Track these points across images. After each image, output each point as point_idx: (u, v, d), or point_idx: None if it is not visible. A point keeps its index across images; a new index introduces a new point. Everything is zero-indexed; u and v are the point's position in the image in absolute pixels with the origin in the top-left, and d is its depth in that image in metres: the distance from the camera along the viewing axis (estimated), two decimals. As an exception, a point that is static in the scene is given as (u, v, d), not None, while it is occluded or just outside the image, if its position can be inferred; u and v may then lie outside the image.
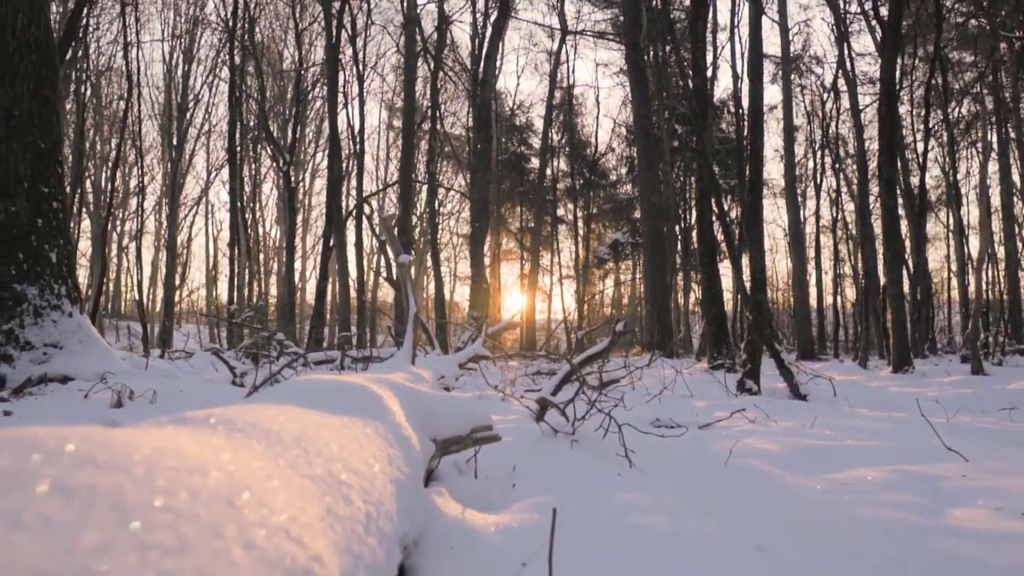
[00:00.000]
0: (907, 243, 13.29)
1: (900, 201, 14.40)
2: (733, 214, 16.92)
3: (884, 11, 10.03)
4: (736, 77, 13.72)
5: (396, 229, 11.30)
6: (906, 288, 13.15)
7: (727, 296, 13.97)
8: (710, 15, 13.31)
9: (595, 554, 1.12)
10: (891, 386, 6.01)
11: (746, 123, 7.88)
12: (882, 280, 10.54)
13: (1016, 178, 16.50)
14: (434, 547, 1.05)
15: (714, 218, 8.10)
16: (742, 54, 14.16)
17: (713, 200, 7.80)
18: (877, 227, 12.03)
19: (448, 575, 0.96)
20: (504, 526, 1.20)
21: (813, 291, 19.38)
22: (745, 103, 8.82)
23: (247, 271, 16.12)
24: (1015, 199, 16.41)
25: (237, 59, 13.23)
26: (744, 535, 1.22)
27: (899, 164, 13.58)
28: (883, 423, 3.13)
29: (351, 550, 0.48)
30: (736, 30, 13.76)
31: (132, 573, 0.26)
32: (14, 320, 3.28)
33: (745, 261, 6.17)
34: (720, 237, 9.22)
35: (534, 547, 1.06)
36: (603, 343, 2.64)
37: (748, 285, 5.49)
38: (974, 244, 17.16)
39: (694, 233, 11.33)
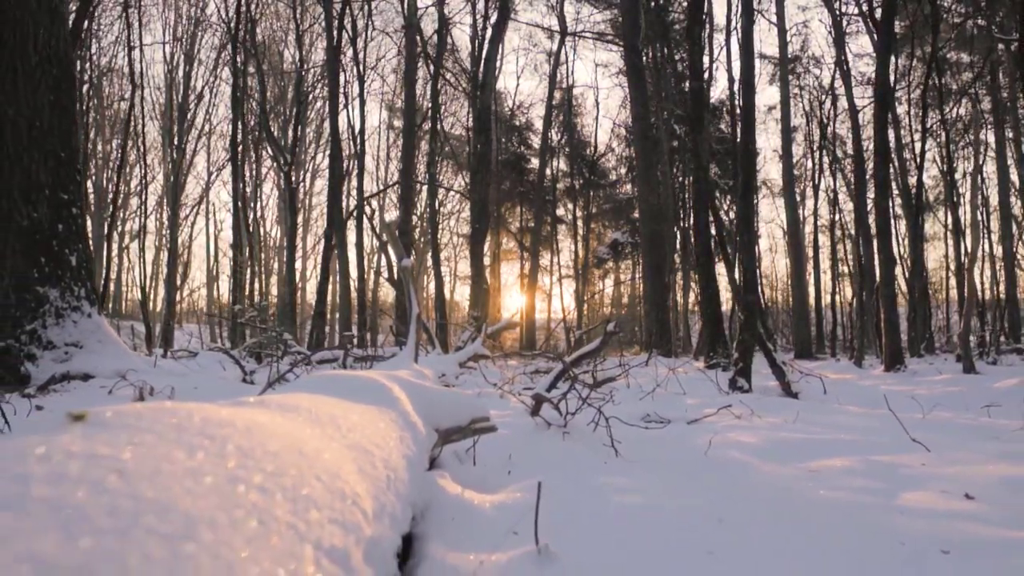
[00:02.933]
0: (905, 242, 13.42)
1: (898, 201, 14.52)
2: (732, 214, 17.07)
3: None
4: (732, 81, 13.83)
5: (397, 232, 11.44)
6: (904, 287, 13.28)
7: (725, 296, 14.09)
8: (707, 18, 13.44)
9: (579, 524, 1.28)
10: (882, 384, 6.16)
11: (739, 128, 8.03)
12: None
13: (1015, 178, 16.62)
14: (437, 519, 1.22)
15: (710, 219, 8.25)
16: (739, 54, 14.24)
17: (709, 203, 7.95)
18: (875, 227, 12.16)
19: (450, 541, 1.12)
20: (499, 503, 1.37)
21: (812, 290, 19.50)
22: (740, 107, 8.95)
23: (248, 271, 16.28)
24: (1013, 198, 16.53)
25: (239, 60, 13.37)
26: (711, 510, 1.38)
27: (896, 164, 13.72)
28: (865, 419, 3.28)
29: (378, 498, 0.64)
30: (735, 32, 13.85)
31: (260, 480, 0.42)
32: (37, 321, 3.45)
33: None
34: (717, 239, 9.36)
35: (525, 519, 1.22)
36: (595, 342, 2.81)
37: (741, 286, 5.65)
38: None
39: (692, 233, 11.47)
